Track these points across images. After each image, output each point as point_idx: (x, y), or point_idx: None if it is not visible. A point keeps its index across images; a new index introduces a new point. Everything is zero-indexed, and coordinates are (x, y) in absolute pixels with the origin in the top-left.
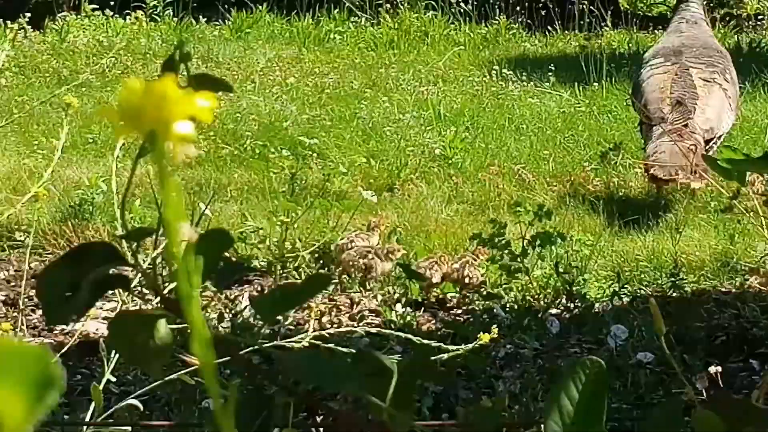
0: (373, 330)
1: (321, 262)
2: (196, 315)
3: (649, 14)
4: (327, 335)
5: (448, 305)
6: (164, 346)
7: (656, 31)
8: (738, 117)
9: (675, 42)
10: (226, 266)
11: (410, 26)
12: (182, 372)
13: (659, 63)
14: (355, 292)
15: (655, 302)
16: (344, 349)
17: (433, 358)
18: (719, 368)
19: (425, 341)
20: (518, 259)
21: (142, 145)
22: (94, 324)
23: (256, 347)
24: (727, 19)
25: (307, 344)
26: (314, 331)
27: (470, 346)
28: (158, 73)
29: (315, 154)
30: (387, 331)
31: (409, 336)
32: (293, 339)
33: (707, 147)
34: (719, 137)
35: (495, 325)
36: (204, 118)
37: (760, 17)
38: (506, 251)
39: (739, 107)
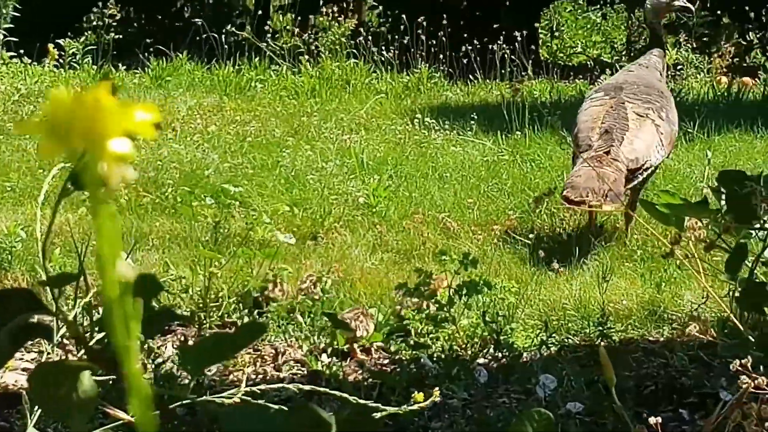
0: (306, 387)
1: (246, 310)
2: (134, 368)
3: (569, 64)
4: (257, 390)
5: (374, 354)
6: (88, 399)
7: (577, 81)
8: (669, 156)
9: (619, 79)
10: (155, 314)
11: (331, 74)
12: (107, 427)
13: (599, 97)
14: (280, 342)
15: (605, 351)
16: (275, 406)
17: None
18: (659, 419)
19: (352, 396)
20: (445, 309)
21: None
22: (13, 376)
23: (185, 401)
24: None
25: (238, 399)
26: (239, 381)
27: (407, 408)
28: None
29: (238, 203)
30: (321, 389)
31: (335, 392)
32: (224, 394)
33: (632, 176)
34: (645, 168)
35: (422, 376)
36: (145, 133)
37: (678, 67)
38: (432, 300)
39: (672, 144)
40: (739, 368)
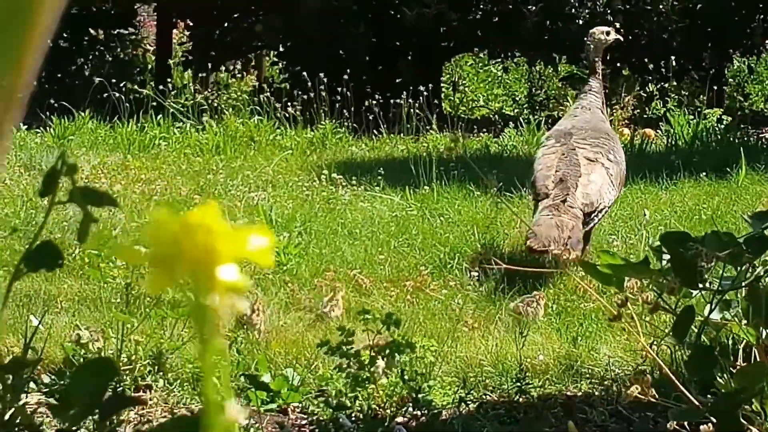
0: None
1: (161, 373)
2: None
3: (472, 117)
4: None
5: (292, 415)
6: None
7: (481, 134)
8: (620, 194)
9: (567, 125)
10: (111, 398)
11: (236, 131)
12: None
13: (551, 144)
14: (196, 405)
15: (573, 426)
16: None
17: None
18: None
19: None
20: (367, 368)
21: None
22: None
23: None
24: (550, 121)
25: None
26: None
27: None
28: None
29: (147, 263)
30: None
31: None
32: None
33: (588, 219)
34: (600, 210)
35: None
36: (261, 261)
37: None
38: (354, 360)
39: (622, 183)
40: (677, 427)
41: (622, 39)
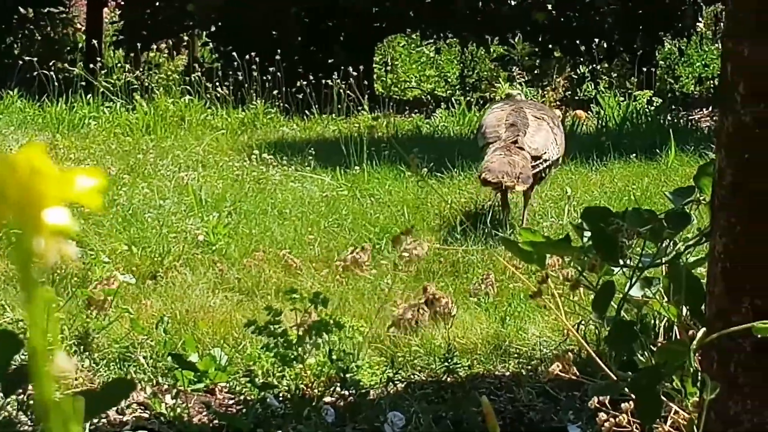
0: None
1: (86, 353)
2: None
3: (404, 98)
4: None
5: (219, 395)
6: None
7: (413, 114)
8: (560, 162)
9: (514, 100)
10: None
11: (166, 111)
12: None
13: (499, 106)
14: None
15: (487, 401)
16: None
17: None
18: None
19: None
20: (294, 347)
21: None
22: None
23: None
24: (481, 102)
25: None
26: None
27: None
28: None
29: (74, 242)
30: None
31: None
32: None
33: (534, 164)
34: (545, 160)
35: (269, 416)
36: (89, 202)
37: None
38: (282, 339)
39: (562, 152)
40: (598, 405)
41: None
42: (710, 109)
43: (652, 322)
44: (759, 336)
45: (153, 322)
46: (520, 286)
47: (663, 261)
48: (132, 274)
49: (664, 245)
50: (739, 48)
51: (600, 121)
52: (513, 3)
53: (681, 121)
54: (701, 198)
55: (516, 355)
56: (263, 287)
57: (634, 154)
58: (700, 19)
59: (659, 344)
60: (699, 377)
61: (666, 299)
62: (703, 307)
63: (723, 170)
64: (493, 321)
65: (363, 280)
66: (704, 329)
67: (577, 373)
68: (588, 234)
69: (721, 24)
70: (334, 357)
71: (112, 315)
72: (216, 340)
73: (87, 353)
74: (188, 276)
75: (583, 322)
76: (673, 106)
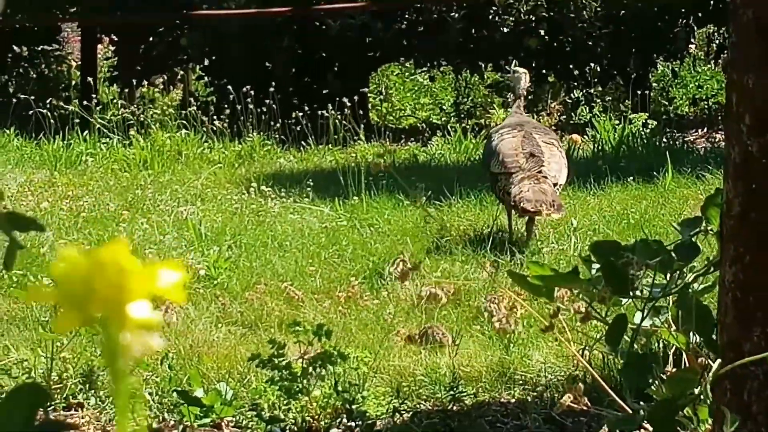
0: None
1: (92, 391)
2: None
3: (400, 126)
4: None
5: (225, 430)
6: None
7: (409, 143)
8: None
9: (515, 120)
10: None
11: (163, 146)
12: None
13: (507, 131)
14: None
15: None
16: None
17: None
18: None
19: None
20: (299, 380)
21: None
22: None
23: None
24: (477, 128)
25: None
26: None
27: None
28: None
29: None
30: None
31: None
32: None
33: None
34: (560, 186)
35: None
36: (173, 297)
37: None
38: (286, 372)
39: (567, 167)
40: None
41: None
42: (705, 129)
43: (661, 351)
44: None
45: (157, 358)
46: (524, 313)
47: (672, 291)
48: None
49: (673, 275)
50: (744, 80)
51: (596, 145)
52: (506, 30)
53: (677, 142)
54: (709, 228)
55: (521, 382)
56: (266, 320)
57: (632, 177)
58: (692, 40)
59: (669, 373)
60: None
61: (674, 328)
62: (714, 335)
63: (731, 201)
64: (497, 348)
65: (366, 310)
66: (719, 360)
67: (588, 404)
68: (596, 266)
69: (713, 45)
70: (340, 388)
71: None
72: (221, 374)
73: (93, 391)
74: (191, 311)
75: (587, 350)
76: (668, 128)
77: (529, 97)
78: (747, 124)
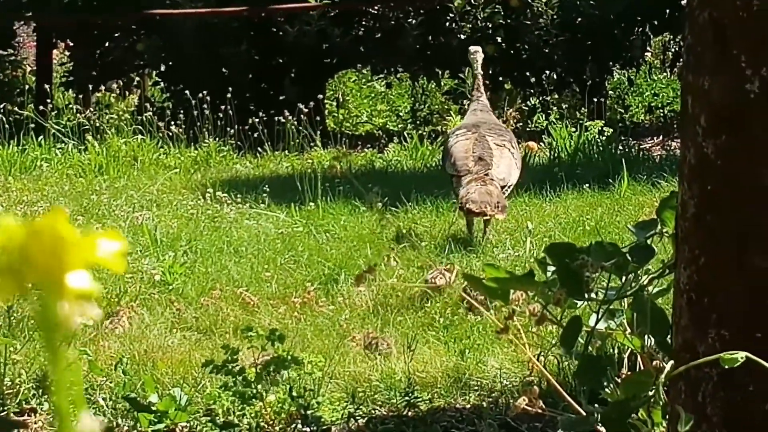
0: None
1: (45, 396)
2: None
3: (357, 133)
4: None
5: None
6: None
7: (366, 149)
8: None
9: (473, 120)
10: None
11: (119, 151)
12: None
13: (462, 132)
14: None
15: None
16: None
17: None
18: None
19: None
20: (252, 385)
21: None
22: None
23: None
24: (433, 135)
25: None
26: None
27: None
28: None
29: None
30: None
31: None
32: None
33: (502, 192)
34: (509, 186)
35: None
36: (113, 266)
37: None
38: (240, 377)
39: (520, 170)
40: None
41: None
42: (660, 137)
43: (616, 354)
44: (726, 366)
45: (111, 363)
46: (478, 319)
47: (627, 294)
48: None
49: (628, 277)
50: (699, 81)
51: (552, 152)
52: (463, 37)
53: (632, 150)
54: (664, 231)
55: (476, 388)
56: (221, 326)
57: (587, 184)
58: (648, 48)
59: (624, 376)
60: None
61: (629, 331)
62: (668, 338)
63: (686, 202)
64: (452, 354)
65: (321, 315)
66: (672, 361)
67: (543, 407)
68: (552, 269)
69: (669, 53)
70: (294, 393)
71: (70, 357)
72: (175, 379)
73: (45, 396)
74: (146, 316)
75: (542, 355)
76: (624, 136)
77: (486, 101)
78: (703, 126)
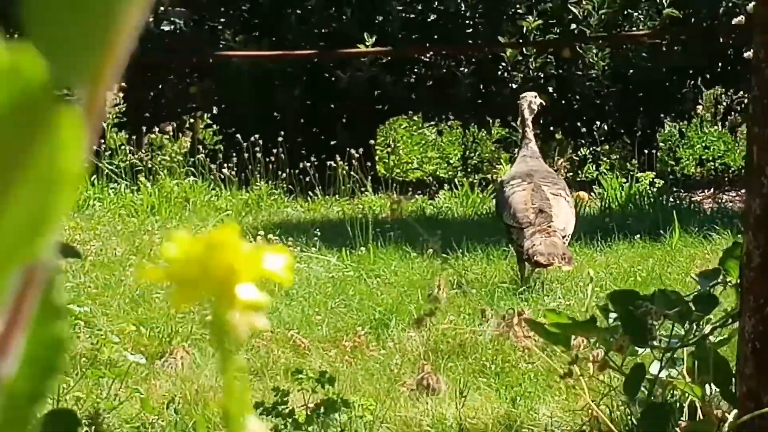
0: None
1: None
2: None
3: (407, 179)
4: None
5: None
6: None
7: (416, 196)
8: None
9: (524, 168)
10: None
11: (171, 192)
12: None
13: (518, 183)
14: None
15: None
16: None
17: None
18: None
19: None
20: (303, 428)
21: None
22: None
23: None
24: (484, 183)
25: None
26: None
27: None
28: None
29: (82, 323)
30: None
31: None
32: None
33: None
34: (568, 236)
35: None
36: (280, 279)
37: None
38: (290, 420)
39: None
40: None
41: (544, 104)
42: (712, 190)
43: (676, 402)
44: None
45: (163, 402)
46: (529, 367)
47: (690, 342)
48: (141, 354)
49: (691, 326)
50: (765, 133)
51: (603, 203)
52: (514, 86)
53: (683, 202)
54: (727, 280)
55: None
56: (272, 368)
57: (638, 236)
58: (700, 101)
59: (684, 424)
60: None
61: (689, 379)
62: (731, 387)
63: (751, 252)
64: (503, 401)
65: (372, 360)
66: (736, 410)
67: None
68: (614, 315)
69: (721, 107)
70: None
71: (123, 395)
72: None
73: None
74: (197, 356)
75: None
76: (675, 188)
77: (536, 147)
78: None
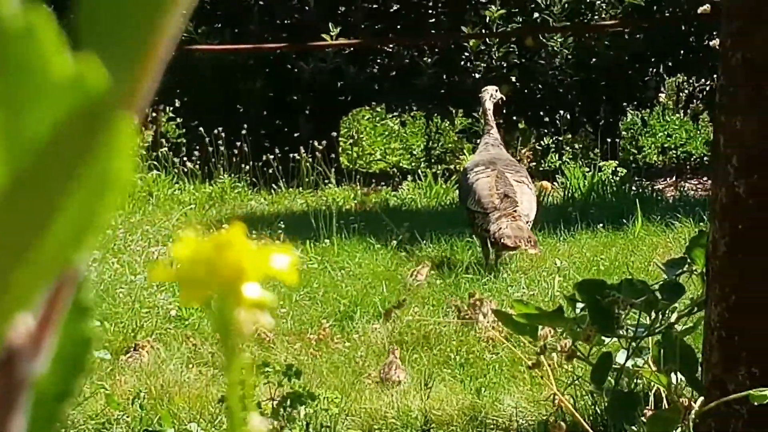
0: None
1: (63, 430)
2: None
3: (370, 171)
4: None
5: None
6: None
7: (380, 187)
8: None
9: (487, 156)
10: None
11: (134, 187)
12: None
13: (482, 169)
14: None
15: None
16: None
17: None
18: None
19: None
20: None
21: None
22: None
23: None
24: (447, 174)
25: None
26: None
27: None
28: None
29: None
30: None
31: None
32: None
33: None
34: (531, 222)
35: None
36: (286, 278)
37: None
38: (258, 412)
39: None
40: None
41: (504, 98)
42: (674, 178)
43: (641, 390)
44: (756, 403)
45: (128, 397)
46: (494, 357)
47: (657, 331)
48: (106, 350)
49: (657, 315)
50: (731, 121)
51: (566, 192)
52: (477, 76)
53: (646, 190)
54: (693, 269)
55: (492, 427)
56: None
57: (601, 225)
58: (662, 89)
59: (650, 412)
60: None
61: (656, 368)
62: (697, 375)
63: (717, 241)
64: (468, 392)
65: (336, 352)
66: (702, 398)
67: None
68: (581, 305)
69: (683, 94)
70: (311, 430)
71: (87, 391)
72: (192, 414)
73: (62, 430)
74: (161, 351)
75: (564, 390)
76: (638, 176)
77: (497, 135)
78: (735, 166)
